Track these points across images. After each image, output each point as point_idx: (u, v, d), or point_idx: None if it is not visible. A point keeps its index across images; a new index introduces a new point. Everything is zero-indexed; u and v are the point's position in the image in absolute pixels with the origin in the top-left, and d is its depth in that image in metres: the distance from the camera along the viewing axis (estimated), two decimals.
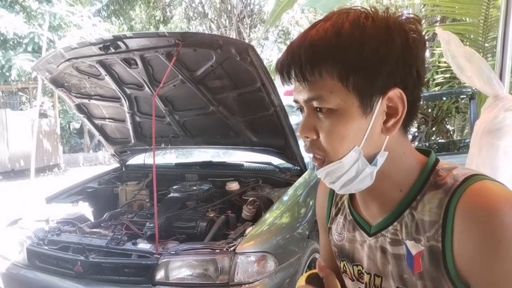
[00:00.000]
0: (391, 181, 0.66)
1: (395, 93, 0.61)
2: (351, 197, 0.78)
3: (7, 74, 8.66)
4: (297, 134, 0.64)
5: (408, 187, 0.66)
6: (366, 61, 0.58)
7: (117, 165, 3.41)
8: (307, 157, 2.74)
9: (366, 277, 0.73)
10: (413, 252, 0.63)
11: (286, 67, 0.62)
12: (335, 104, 0.60)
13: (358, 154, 0.62)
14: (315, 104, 0.62)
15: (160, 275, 1.90)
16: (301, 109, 0.67)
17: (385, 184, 0.66)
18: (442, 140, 6.06)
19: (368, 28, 0.59)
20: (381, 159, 0.63)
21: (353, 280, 0.77)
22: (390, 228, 0.67)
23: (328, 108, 0.61)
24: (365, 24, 0.59)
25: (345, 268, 0.79)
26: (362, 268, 0.74)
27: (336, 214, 0.82)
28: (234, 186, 2.65)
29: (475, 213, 0.56)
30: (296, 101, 0.66)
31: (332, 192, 0.85)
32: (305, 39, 0.60)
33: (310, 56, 0.59)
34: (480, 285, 0.57)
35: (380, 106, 0.61)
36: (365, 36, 0.58)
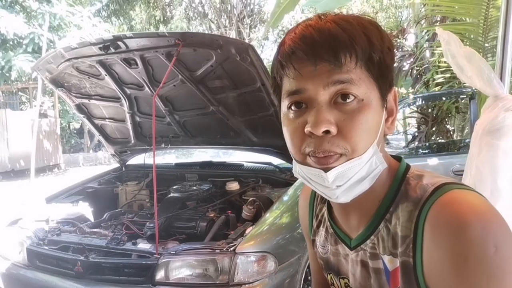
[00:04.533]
0: (372, 189, 0.62)
1: (394, 92, 0.61)
2: (330, 210, 0.75)
3: (7, 74, 8.66)
4: (307, 130, 0.58)
5: (382, 196, 0.63)
6: (386, 53, 0.58)
7: (117, 165, 3.41)
8: None
9: None
10: (390, 267, 0.61)
11: (312, 44, 0.55)
12: (362, 92, 0.56)
13: (374, 150, 0.58)
14: (342, 88, 0.56)
15: (160, 275, 1.89)
16: (296, 103, 0.59)
17: (367, 193, 0.62)
18: (442, 140, 6.05)
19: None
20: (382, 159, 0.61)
21: None
22: (368, 242, 0.65)
23: (355, 97, 0.56)
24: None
25: (333, 281, 0.77)
26: (348, 281, 0.72)
27: (318, 227, 0.79)
28: (234, 186, 2.65)
29: (442, 228, 0.54)
30: (298, 91, 0.58)
31: (312, 204, 0.82)
32: (324, 27, 0.56)
33: (345, 38, 0.55)
34: None
35: (387, 102, 0.61)
36: (380, 29, 0.58)
